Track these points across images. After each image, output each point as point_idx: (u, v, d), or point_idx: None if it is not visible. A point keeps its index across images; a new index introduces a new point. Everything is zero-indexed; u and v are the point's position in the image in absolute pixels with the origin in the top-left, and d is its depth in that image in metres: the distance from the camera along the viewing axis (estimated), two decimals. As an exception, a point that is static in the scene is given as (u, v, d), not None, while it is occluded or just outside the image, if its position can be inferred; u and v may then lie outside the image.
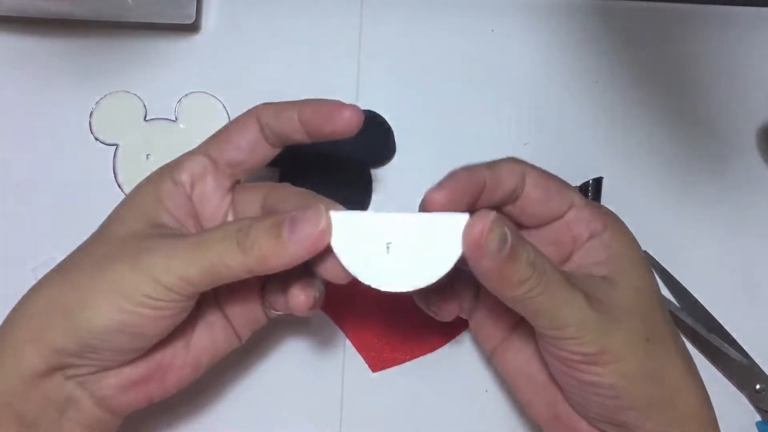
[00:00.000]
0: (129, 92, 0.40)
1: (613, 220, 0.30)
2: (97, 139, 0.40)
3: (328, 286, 0.29)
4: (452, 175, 0.28)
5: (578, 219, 0.30)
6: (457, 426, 0.36)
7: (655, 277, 0.30)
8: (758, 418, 0.36)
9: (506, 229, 0.25)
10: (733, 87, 0.41)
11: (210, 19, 0.41)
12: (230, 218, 0.32)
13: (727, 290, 0.38)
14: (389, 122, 0.40)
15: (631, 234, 0.31)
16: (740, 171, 0.40)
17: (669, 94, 0.41)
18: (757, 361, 0.37)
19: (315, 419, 0.36)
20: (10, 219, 0.39)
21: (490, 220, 0.24)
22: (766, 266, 0.39)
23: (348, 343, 0.37)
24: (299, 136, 0.30)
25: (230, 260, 0.25)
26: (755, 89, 0.41)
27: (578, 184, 0.39)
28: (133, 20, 0.39)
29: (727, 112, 0.41)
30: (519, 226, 0.31)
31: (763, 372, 0.36)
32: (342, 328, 0.37)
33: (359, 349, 0.37)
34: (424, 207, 0.28)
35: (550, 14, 0.42)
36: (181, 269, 0.25)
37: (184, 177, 0.31)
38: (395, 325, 0.37)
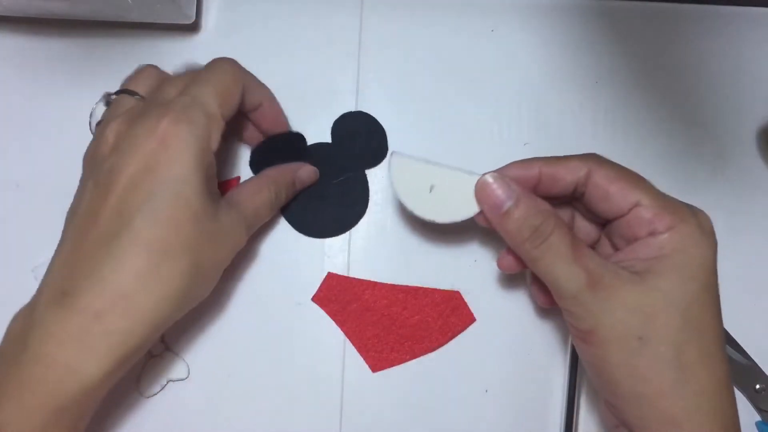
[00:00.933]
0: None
1: (687, 227, 0.29)
2: (97, 139, 0.39)
3: (328, 287, 0.30)
4: (508, 166, 0.32)
5: (639, 218, 0.29)
6: (457, 426, 0.36)
7: (711, 302, 0.29)
8: (758, 418, 0.37)
9: (504, 190, 0.30)
10: (733, 87, 0.41)
11: (210, 19, 0.41)
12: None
13: (727, 290, 0.38)
14: (389, 121, 0.40)
15: (708, 248, 0.29)
16: (740, 171, 0.40)
17: (669, 94, 0.41)
18: (757, 361, 0.37)
19: (315, 419, 0.36)
20: (10, 219, 0.39)
21: (489, 185, 0.31)
22: (766, 266, 0.39)
23: (348, 343, 0.37)
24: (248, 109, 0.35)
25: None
26: (755, 89, 0.41)
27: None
28: (132, 20, 0.39)
29: (727, 112, 0.41)
30: (597, 219, 0.32)
31: (763, 372, 0.37)
32: (342, 328, 0.37)
33: (359, 349, 0.37)
34: (476, 190, 0.32)
35: (550, 14, 0.42)
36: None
37: (215, 146, 0.31)
38: (395, 325, 0.37)
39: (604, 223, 0.32)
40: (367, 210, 0.39)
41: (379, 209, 0.39)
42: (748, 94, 0.41)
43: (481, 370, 0.37)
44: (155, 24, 0.40)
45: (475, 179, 0.32)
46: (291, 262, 0.38)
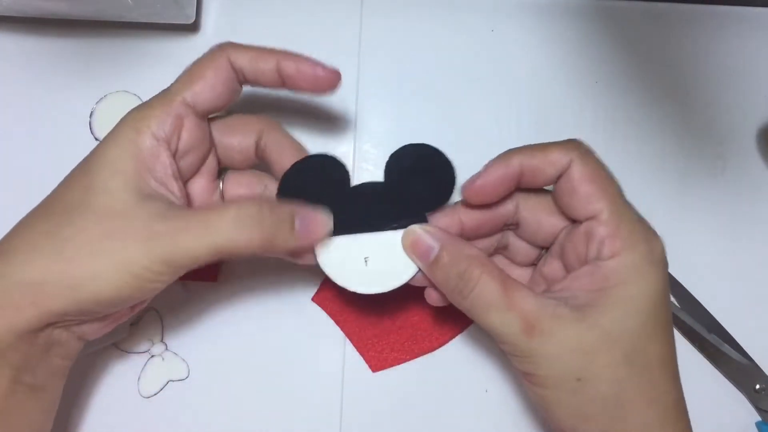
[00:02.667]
0: (129, 92, 0.40)
1: (634, 255, 0.27)
2: (97, 139, 0.40)
3: (328, 287, 0.30)
4: (487, 167, 0.30)
5: (591, 234, 0.28)
6: (457, 426, 0.36)
7: (658, 333, 0.28)
8: (758, 418, 0.36)
9: (429, 238, 0.30)
10: (733, 87, 0.41)
11: (210, 19, 0.41)
12: (214, 161, 0.32)
13: (728, 290, 0.38)
14: (389, 121, 0.40)
15: (655, 279, 0.27)
16: (740, 171, 0.40)
17: (669, 94, 0.41)
18: (757, 361, 0.37)
19: (315, 419, 0.36)
20: (10, 219, 0.39)
21: (416, 233, 0.30)
22: (766, 266, 0.39)
23: (348, 343, 0.37)
24: (273, 84, 0.32)
25: (241, 243, 0.28)
26: (755, 89, 0.41)
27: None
28: (133, 20, 0.39)
29: (727, 112, 0.41)
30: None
31: (763, 372, 0.37)
32: (342, 328, 0.37)
33: (359, 349, 0.37)
34: (463, 200, 0.31)
35: (550, 14, 0.42)
36: (192, 251, 0.27)
37: (166, 129, 0.29)
38: (395, 325, 0.37)
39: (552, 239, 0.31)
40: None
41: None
42: (748, 94, 0.41)
43: (481, 370, 0.37)
44: (155, 24, 0.40)
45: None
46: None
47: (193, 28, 0.41)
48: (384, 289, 0.31)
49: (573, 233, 0.29)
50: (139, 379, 0.37)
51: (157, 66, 0.41)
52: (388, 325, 0.37)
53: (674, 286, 0.38)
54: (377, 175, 0.40)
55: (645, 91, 0.41)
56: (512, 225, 0.32)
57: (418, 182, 0.32)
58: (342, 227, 0.31)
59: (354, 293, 0.31)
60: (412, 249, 0.30)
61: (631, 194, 0.39)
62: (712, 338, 0.37)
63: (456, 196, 0.31)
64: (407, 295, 0.37)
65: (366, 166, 0.40)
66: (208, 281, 0.38)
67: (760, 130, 0.40)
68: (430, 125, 0.40)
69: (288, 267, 0.38)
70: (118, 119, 0.39)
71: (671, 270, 0.38)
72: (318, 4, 0.42)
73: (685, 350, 0.37)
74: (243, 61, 0.31)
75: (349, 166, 0.40)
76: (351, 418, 0.36)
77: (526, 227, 0.31)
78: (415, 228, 0.30)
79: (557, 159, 0.29)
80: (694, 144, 0.40)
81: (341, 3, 0.42)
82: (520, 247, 0.33)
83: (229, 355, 0.35)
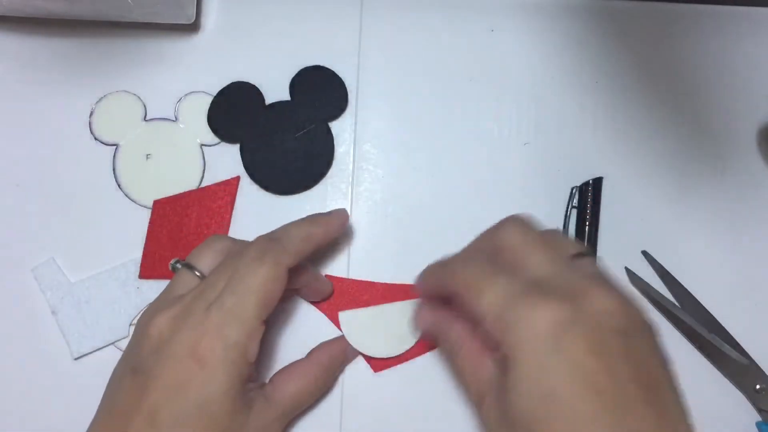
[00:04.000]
0: (129, 92, 0.40)
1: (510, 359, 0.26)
2: (97, 139, 0.40)
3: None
4: (421, 279, 0.35)
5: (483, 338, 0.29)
6: (457, 426, 0.36)
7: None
8: (758, 418, 0.36)
9: (427, 320, 0.34)
10: (733, 87, 0.41)
11: (210, 19, 0.41)
12: None
13: (727, 290, 0.38)
14: (388, 121, 0.40)
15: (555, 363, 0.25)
16: (740, 171, 0.40)
17: (669, 94, 0.41)
18: (757, 361, 0.37)
19: (315, 419, 0.36)
20: (10, 219, 0.39)
21: (417, 313, 0.35)
22: (766, 266, 0.39)
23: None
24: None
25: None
26: (755, 89, 0.41)
27: (578, 184, 0.39)
28: (133, 20, 0.39)
29: (727, 112, 0.41)
30: None
31: (763, 372, 0.36)
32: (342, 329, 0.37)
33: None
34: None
35: (550, 14, 0.42)
36: None
37: (255, 353, 0.31)
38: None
39: None
40: (334, 161, 0.39)
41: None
42: (748, 94, 0.41)
43: (481, 370, 0.37)
44: (155, 24, 0.40)
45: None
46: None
47: (193, 28, 0.41)
48: (399, 352, 0.37)
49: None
50: (139, 379, 0.37)
51: (157, 66, 0.41)
52: (388, 325, 0.37)
53: (674, 286, 0.38)
54: (377, 174, 0.40)
55: (645, 91, 0.41)
56: None
57: (317, 97, 0.39)
58: (260, 135, 0.39)
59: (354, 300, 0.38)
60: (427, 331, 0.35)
61: (631, 194, 0.39)
62: (712, 338, 0.37)
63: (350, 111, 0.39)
64: (406, 294, 0.38)
65: (366, 166, 0.40)
66: (208, 281, 0.38)
67: (760, 130, 0.40)
68: (430, 125, 0.40)
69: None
70: (118, 120, 0.40)
71: (671, 270, 0.38)
72: (318, 4, 0.42)
73: (685, 350, 0.37)
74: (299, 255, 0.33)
75: (349, 166, 0.40)
76: (351, 418, 0.36)
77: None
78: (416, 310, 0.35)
79: (485, 311, 0.28)
80: (694, 144, 0.40)
81: (341, 3, 0.42)
82: None
83: (229, 355, 0.35)
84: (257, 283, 0.30)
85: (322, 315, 0.38)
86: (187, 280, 0.32)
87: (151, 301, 0.34)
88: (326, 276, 0.38)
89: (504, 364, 0.27)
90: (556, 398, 0.24)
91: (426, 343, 0.37)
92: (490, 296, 0.27)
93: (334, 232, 0.35)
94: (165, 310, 0.31)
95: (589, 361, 0.25)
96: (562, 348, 0.25)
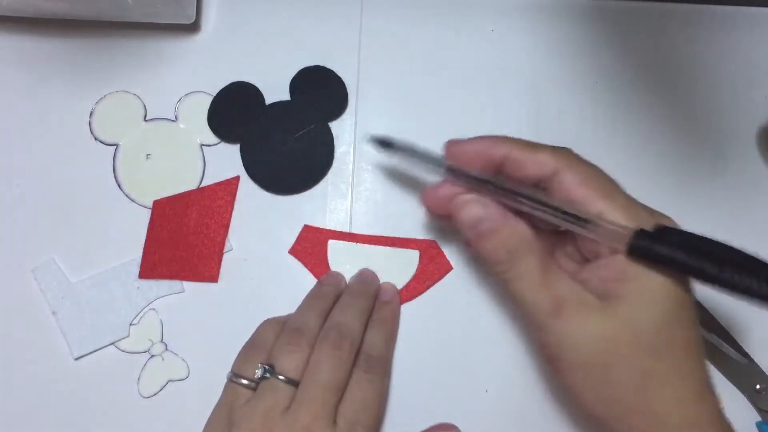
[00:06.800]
0: (129, 92, 0.40)
1: None
2: (97, 139, 0.40)
3: (305, 239, 0.30)
4: (474, 139, 0.32)
5: (608, 226, 0.29)
6: (457, 426, 0.36)
7: (680, 320, 0.28)
8: (758, 418, 0.36)
9: (482, 211, 0.30)
10: (733, 87, 0.41)
11: (210, 19, 0.41)
12: None
13: (727, 290, 0.38)
14: (388, 121, 0.40)
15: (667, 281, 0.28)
16: (740, 171, 0.40)
17: (669, 94, 0.41)
18: (757, 361, 0.37)
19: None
20: (10, 219, 0.39)
21: (465, 200, 0.31)
22: (766, 266, 0.39)
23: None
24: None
25: None
26: (755, 89, 0.41)
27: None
28: (133, 20, 0.39)
29: (727, 112, 0.41)
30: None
31: (763, 372, 0.37)
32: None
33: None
34: (454, 207, 0.32)
35: (550, 14, 0.42)
36: None
37: None
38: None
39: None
40: (334, 161, 0.39)
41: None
42: (748, 94, 0.41)
43: (481, 370, 0.37)
44: (155, 24, 0.40)
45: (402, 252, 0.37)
46: (292, 263, 0.38)
47: (193, 28, 0.41)
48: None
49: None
50: (139, 379, 0.37)
51: (157, 66, 0.41)
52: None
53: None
54: (377, 174, 0.40)
55: (645, 91, 0.41)
56: (542, 187, 0.31)
57: (317, 97, 0.39)
58: (260, 135, 0.39)
59: None
60: (464, 216, 0.31)
61: (631, 194, 0.39)
62: (712, 338, 0.37)
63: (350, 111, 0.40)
64: (385, 245, 0.38)
65: (366, 166, 0.40)
66: (208, 281, 0.38)
67: (760, 130, 0.40)
68: (430, 125, 0.40)
69: (288, 267, 0.38)
70: (118, 120, 0.40)
71: (671, 270, 0.38)
72: (318, 4, 0.42)
73: (685, 350, 0.37)
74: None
75: (349, 166, 0.40)
76: (351, 418, 0.36)
77: (557, 195, 0.30)
78: (471, 198, 0.31)
79: (543, 161, 0.30)
80: (694, 144, 0.40)
81: (341, 3, 0.42)
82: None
83: (229, 355, 0.35)
84: (369, 412, 0.32)
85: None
86: (273, 395, 0.31)
87: (151, 301, 0.34)
88: (304, 226, 0.39)
89: (623, 270, 0.28)
90: (680, 310, 0.28)
91: (403, 292, 0.38)
92: (613, 205, 0.29)
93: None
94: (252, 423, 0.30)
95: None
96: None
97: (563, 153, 0.30)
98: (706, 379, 0.29)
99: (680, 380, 0.28)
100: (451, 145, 0.32)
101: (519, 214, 0.31)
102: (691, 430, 0.28)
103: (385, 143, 0.34)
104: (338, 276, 0.38)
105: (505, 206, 0.31)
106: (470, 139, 0.32)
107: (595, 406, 0.29)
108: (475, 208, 0.31)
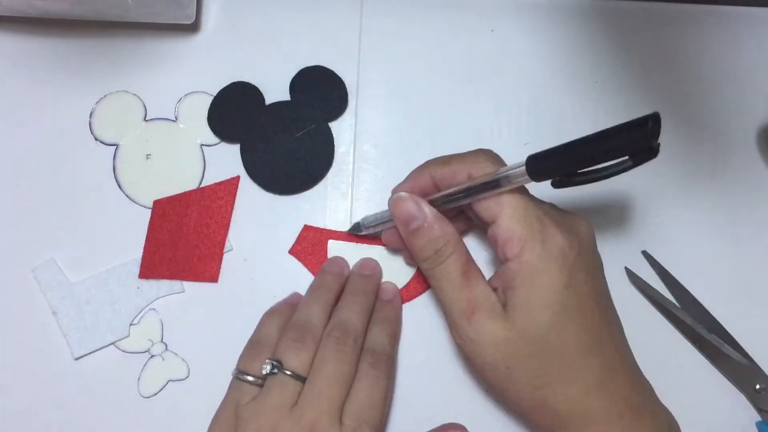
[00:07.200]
0: (129, 92, 0.40)
1: (530, 254, 0.29)
2: (97, 139, 0.40)
3: (305, 238, 0.30)
4: (406, 179, 0.35)
5: (493, 238, 0.31)
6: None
7: (569, 320, 0.30)
8: (758, 418, 0.36)
9: (414, 209, 0.32)
10: (733, 87, 0.41)
11: (210, 19, 0.41)
12: None
13: (727, 290, 0.38)
14: (388, 121, 0.40)
15: (554, 272, 0.29)
16: (740, 171, 0.40)
17: (669, 94, 0.41)
18: (757, 361, 0.37)
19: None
20: (10, 219, 0.39)
21: (405, 200, 0.33)
22: (766, 266, 0.39)
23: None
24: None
25: None
26: (755, 89, 0.41)
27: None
28: (133, 20, 0.39)
29: (727, 112, 0.41)
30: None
31: (763, 372, 0.37)
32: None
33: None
34: (390, 205, 0.34)
35: (550, 14, 0.42)
36: None
37: None
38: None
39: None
40: (334, 161, 0.39)
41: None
42: (748, 94, 0.41)
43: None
44: (155, 24, 0.40)
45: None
46: (292, 263, 0.38)
47: (193, 28, 0.41)
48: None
49: (493, 231, 0.31)
50: (139, 379, 0.37)
51: (157, 66, 0.41)
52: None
53: (674, 286, 0.38)
54: (377, 174, 0.40)
55: (645, 91, 0.41)
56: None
57: (317, 97, 0.39)
58: (260, 135, 0.39)
59: None
60: (398, 212, 0.33)
61: (631, 194, 0.39)
62: (712, 338, 0.37)
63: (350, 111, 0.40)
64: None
65: (366, 166, 0.40)
66: (208, 281, 0.38)
67: (760, 130, 0.40)
68: (430, 125, 0.40)
69: (288, 267, 0.38)
70: (118, 120, 0.40)
71: (671, 269, 0.38)
72: (318, 4, 0.42)
73: (685, 350, 0.37)
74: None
75: (349, 166, 0.40)
76: (351, 418, 0.36)
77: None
78: (406, 195, 0.33)
79: (458, 170, 0.32)
80: (694, 144, 0.40)
81: (341, 3, 0.42)
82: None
83: (229, 355, 0.35)
84: (375, 413, 0.32)
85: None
86: (280, 393, 0.31)
87: (151, 301, 0.34)
88: (304, 225, 0.39)
89: (511, 278, 0.30)
90: (566, 313, 0.30)
91: (403, 291, 0.38)
92: (511, 203, 0.30)
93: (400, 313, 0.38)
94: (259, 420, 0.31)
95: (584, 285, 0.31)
96: (558, 272, 0.30)
97: (475, 156, 0.32)
98: (605, 375, 0.30)
99: (576, 377, 0.30)
100: (395, 191, 0.35)
101: (451, 218, 0.33)
102: (593, 424, 0.30)
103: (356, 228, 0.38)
104: (341, 262, 0.38)
105: (442, 210, 0.33)
106: (403, 183, 0.35)
107: (507, 403, 0.33)
108: (408, 204, 0.33)
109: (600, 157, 0.27)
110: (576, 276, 0.30)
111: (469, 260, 0.32)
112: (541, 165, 0.28)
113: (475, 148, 0.39)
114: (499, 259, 0.31)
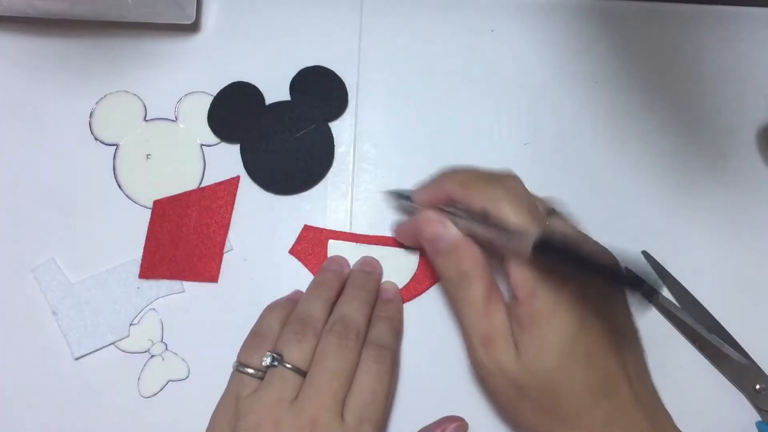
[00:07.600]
0: (129, 92, 0.40)
1: (539, 301, 0.29)
2: (97, 139, 0.40)
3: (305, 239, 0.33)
4: (423, 187, 0.35)
5: (508, 274, 0.31)
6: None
7: (575, 363, 0.30)
8: (758, 418, 0.37)
9: (441, 230, 0.32)
10: (733, 87, 0.41)
11: (210, 19, 0.41)
12: None
13: (727, 290, 0.38)
14: (388, 121, 0.40)
15: (562, 319, 0.29)
16: (740, 171, 0.40)
17: (669, 94, 0.41)
18: (757, 361, 0.37)
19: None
20: (10, 219, 0.39)
21: (434, 220, 0.33)
22: (766, 266, 0.39)
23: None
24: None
25: None
26: (755, 89, 0.41)
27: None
28: (133, 20, 0.39)
29: (727, 112, 0.41)
30: None
31: (763, 372, 0.37)
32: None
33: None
34: (419, 223, 0.34)
35: (550, 14, 0.42)
36: None
37: None
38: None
39: None
40: (334, 161, 0.39)
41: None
42: (748, 94, 0.41)
43: (481, 370, 0.37)
44: (155, 24, 0.40)
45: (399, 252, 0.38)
46: (292, 263, 0.38)
47: (193, 28, 0.41)
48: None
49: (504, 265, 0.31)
50: (139, 379, 0.37)
51: (157, 66, 0.41)
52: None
53: (674, 286, 0.38)
54: (377, 174, 0.40)
55: (645, 91, 0.41)
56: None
57: (317, 97, 0.39)
58: (260, 135, 0.39)
59: None
60: (426, 233, 0.33)
61: (631, 194, 0.39)
62: (712, 338, 0.37)
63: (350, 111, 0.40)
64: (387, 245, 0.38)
65: (366, 166, 0.40)
66: (208, 281, 0.38)
67: (760, 130, 0.40)
68: (430, 125, 0.40)
69: (287, 267, 0.38)
70: (118, 120, 0.40)
71: (671, 269, 0.38)
72: (318, 4, 0.42)
73: (685, 350, 0.37)
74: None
75: (349, 166, 0.40)
76: (351, 418, 0.36)
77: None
78: (435, 217, 0.33)
79: (475, 201, 0.31)
80: (694, 144, 0.40)
81: (341, 3, 0.42)
82: None
83: (229, 355, 0.35)
84: (378, 409, 0.32)
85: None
86: (280, 387, 0.31)
87: (151, 301, 0.34)
88: (304, 226, 0.39)
89: (522, 318, 0.30)
90: (574, 356, 0.29)
91: (404, 291, 0.38)
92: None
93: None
94: (260, 415, 0.30)
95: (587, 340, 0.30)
96: (568, 318, 0.29)
97: (495, 186, 0.31)
98: (623, 412, 0.30)
99: (583, 420, 0.30)
100: (416, 196, 0.35)
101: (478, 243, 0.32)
102: None
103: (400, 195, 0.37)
104: (341, 261, 0.38)
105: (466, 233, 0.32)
106: (418, 191, 0.35)
107: (516, 425, 0.35)
108: (435, 226, 0.33)
109: (597, 275, 0.27)
110: (588, 319, 0.30)
111: (491, 285, 0.32)
112: (547, 255, 0.28)
113: (476, 148, 0.40)
114: (512, 294, 0.31)
